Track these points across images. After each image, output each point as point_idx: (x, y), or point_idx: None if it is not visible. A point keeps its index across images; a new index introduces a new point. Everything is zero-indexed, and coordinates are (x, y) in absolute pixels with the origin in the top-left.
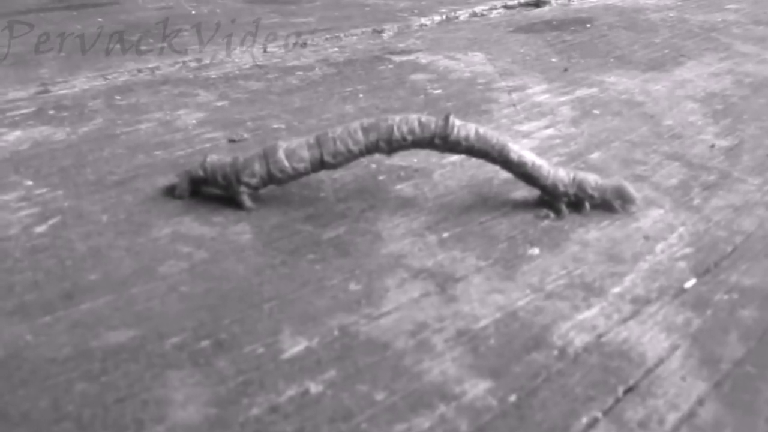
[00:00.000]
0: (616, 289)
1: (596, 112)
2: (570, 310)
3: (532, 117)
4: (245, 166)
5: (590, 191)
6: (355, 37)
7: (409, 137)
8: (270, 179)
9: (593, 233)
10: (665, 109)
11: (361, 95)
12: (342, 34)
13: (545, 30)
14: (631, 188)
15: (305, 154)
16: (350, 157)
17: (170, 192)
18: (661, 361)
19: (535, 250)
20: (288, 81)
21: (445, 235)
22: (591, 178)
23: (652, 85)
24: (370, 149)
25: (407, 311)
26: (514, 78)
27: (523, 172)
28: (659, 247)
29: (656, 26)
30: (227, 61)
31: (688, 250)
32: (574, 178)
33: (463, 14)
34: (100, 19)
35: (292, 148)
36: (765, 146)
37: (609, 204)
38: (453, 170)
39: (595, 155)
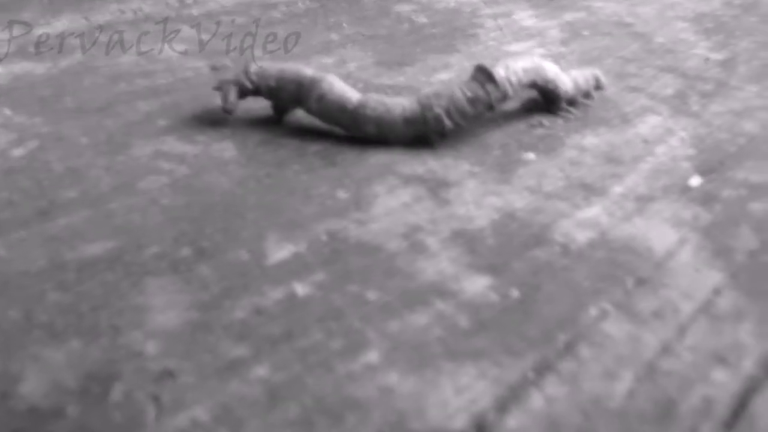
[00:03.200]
0: (618, 189)
1: (585, 33)
2: (571, 208)
3: (520, 39)
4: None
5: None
6: None
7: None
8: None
9: (590, 139)
10: (655, 28)
11: (345, 24)
12: None
13: None
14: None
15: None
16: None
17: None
18: (671, 255)
19: (531, 155)
20: (271, 15)
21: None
22: (574, 73)
23: (641, 8)
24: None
25: (399, 215)
26: (500, 6)
27: (554, 96)
28: (660, 149)
29: None
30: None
31: (690, 151)
32: (575, 81)
33: None
34: None
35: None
36: (760, 58)
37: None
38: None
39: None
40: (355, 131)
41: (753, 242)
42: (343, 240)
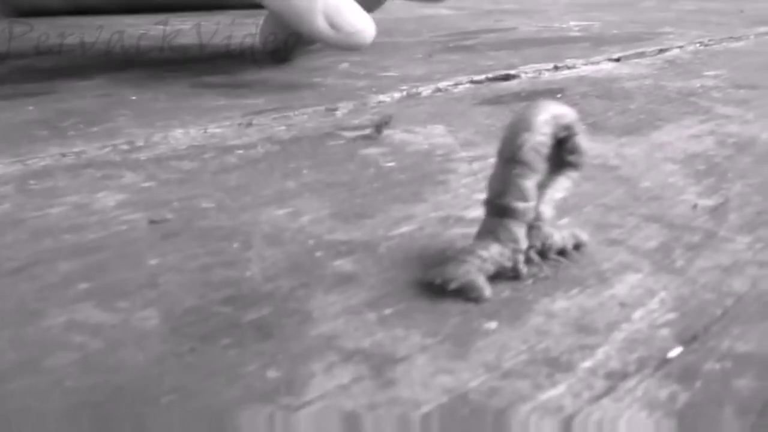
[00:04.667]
0: (587, 363)
1: None
2: (531, 389)
3: None
4: None
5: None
6: (305, 116)
7: (565, 128)
8: None
9: (560, 303)
10: (642, 171)
11: (305, 171)
12: (292, 113)
13: (513, 101)
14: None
15: (524, 183)
16: None
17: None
18: None
19: (492, 324)
20: (226, 160)
21: (387, 311)
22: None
23: (628, 149)
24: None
25: (334, 399)
26: (476, 148)
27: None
28: (637, 314)
29: (631, 94)
30: (162, 143)
31: (671, 316)
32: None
33: (425, 90)
34: (31, 108)
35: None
36: (754, 204)
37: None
38: (401, 242)
39: (564, 221)
40: None
41: (736, 429)
42: None
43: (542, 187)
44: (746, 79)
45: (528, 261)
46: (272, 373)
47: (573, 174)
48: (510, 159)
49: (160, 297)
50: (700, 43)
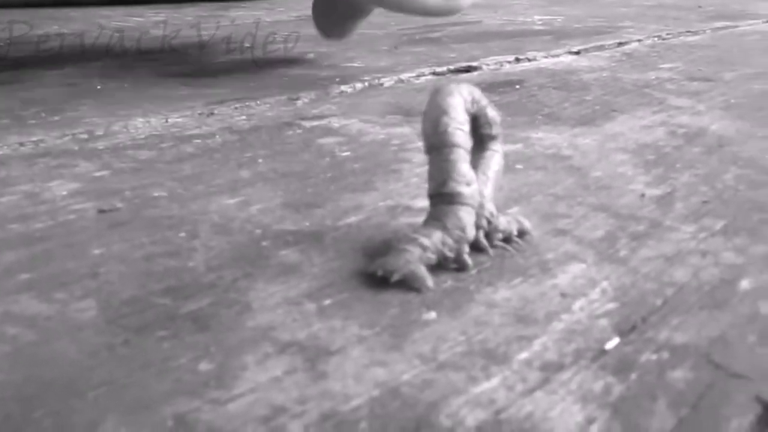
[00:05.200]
0: (523, 355)
1: (519, 167)
2: (465, 382)
3: None
4: None
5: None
6: (267, 105)
7: (479, 103)
8: None
9: (502, 292)
10: (594, 161)
11: (260, 160)
12: (254, 103)
13: None
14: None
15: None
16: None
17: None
18: None
19: (432, 315)
20: (182, 149)
21: (327, 302)
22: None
23: (581, 139)
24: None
25: (264, 393)
26: None
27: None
28: (578, 304)
29: (588, 85)
30: (121, 132)
31: (611, 306)
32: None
33: (387, 81)
34: None
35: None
36: (700, 193)
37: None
38: (348, 233)
39: (513, 210)
40: None
41: (669, 421)
42: (191, 426)
43: (474, 168)
44: (700, 72)
45: (476, 246)
46: (204, 366)
47: (496, 146)
48: (439, 146)
49: (100, 287)
50: (658, 37)
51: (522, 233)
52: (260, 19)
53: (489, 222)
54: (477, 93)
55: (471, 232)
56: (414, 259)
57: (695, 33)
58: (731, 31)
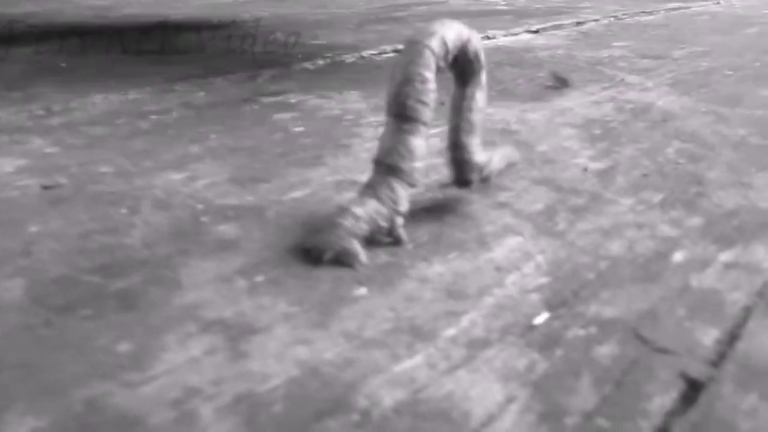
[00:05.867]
0: (450, 332)
1: None
2: (388, 360)
3: None
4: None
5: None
6: (228, 82)
7: (458, 43)
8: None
9: (436, 267)
10: (541, 136)
11: (213, 135)
12: (216, 79)
13: None
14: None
15: (412, 141)
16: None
17: None
18: (491, 420)
19: (363, 290)
20: (137, 125)
21: (260, 279)
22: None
23: (531, 114)
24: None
25: (180, 374)
26: None
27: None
28: (511, 278)
29: (543, 62)
30: (79, 108)
31: (543, 280)
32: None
33: (349, 58)
34: None
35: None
36: (642, 167)
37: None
38: (292, 207)
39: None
40: None
41: (590, 399)
42: (100, 410)
43: (457, 109)
44: (651, 50)
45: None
46: (123, 347)
47: (477, 81)
48: (398, 115)
49: (31, 266)
50: (614, 17)
51: (512, 165)
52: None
53: (482, 172)
54: (456, 30)
55: (404, 206)
56: (346, 234)
57: (650, 13)
58: (683, 11)
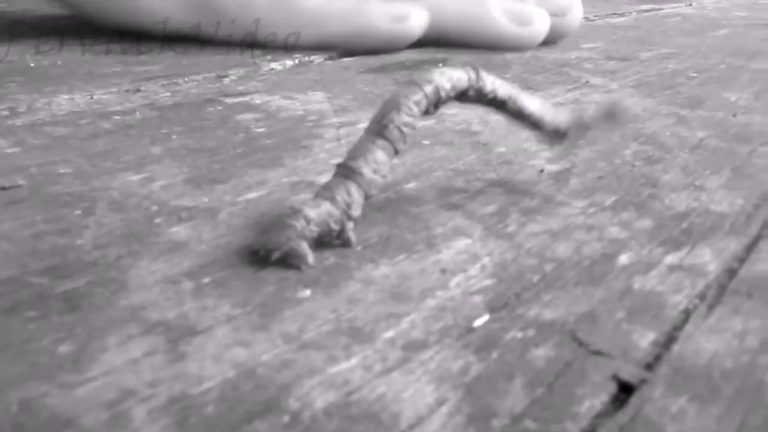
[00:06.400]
0: (389, 334)
1: (426, 142)
2: (324, 362)
3: None
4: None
5: (588, 121)
6: (194, 83)
7: (452, 93)
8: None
9: (383, 269)
10: (501, 137)
11: (174, 136)
12: (182, 80)
13: (396, 70)
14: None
15: (380, 156)
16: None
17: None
18: (420, 422)
19: (307, 293)
20: (99, 126)
21: (206, 280)
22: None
23: (492, 116)
24: (426, 113)
25: (117, 376)
26: (348, 114)
27: (532, 121)
28: (455, 280)
29: (510, 63)
30: (43, 108)
31: (487, 282)
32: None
33: (317, 59)
34: None
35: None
36: (597, 169)
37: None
38: (245, 208)
39: (411, 185)
40: None
41: (520, 402)
42: (35, 412)
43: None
44: (619, 52)
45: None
46: (64, 348)
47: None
48: (375, 133)
49: None
50: (586, 18)
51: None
52: None
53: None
54: (459, 80)
55: (357, 212)
56: (295, 236)
57: (621, 15)
58: (655, 13)
